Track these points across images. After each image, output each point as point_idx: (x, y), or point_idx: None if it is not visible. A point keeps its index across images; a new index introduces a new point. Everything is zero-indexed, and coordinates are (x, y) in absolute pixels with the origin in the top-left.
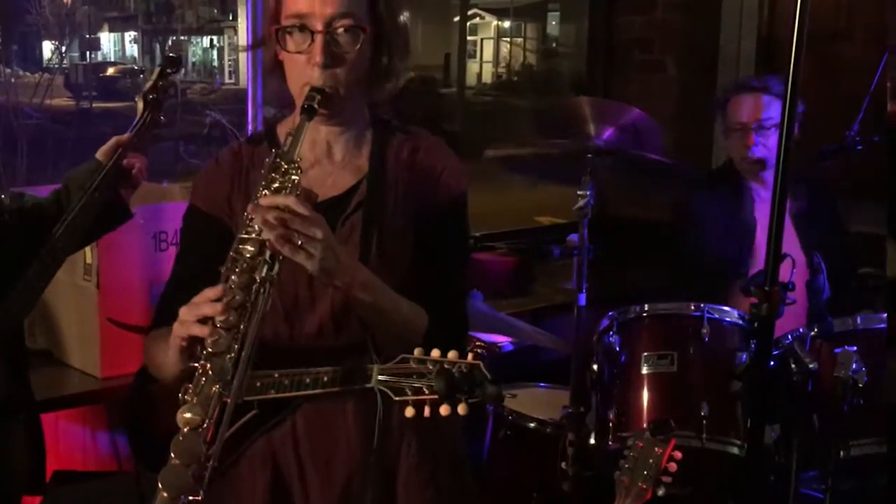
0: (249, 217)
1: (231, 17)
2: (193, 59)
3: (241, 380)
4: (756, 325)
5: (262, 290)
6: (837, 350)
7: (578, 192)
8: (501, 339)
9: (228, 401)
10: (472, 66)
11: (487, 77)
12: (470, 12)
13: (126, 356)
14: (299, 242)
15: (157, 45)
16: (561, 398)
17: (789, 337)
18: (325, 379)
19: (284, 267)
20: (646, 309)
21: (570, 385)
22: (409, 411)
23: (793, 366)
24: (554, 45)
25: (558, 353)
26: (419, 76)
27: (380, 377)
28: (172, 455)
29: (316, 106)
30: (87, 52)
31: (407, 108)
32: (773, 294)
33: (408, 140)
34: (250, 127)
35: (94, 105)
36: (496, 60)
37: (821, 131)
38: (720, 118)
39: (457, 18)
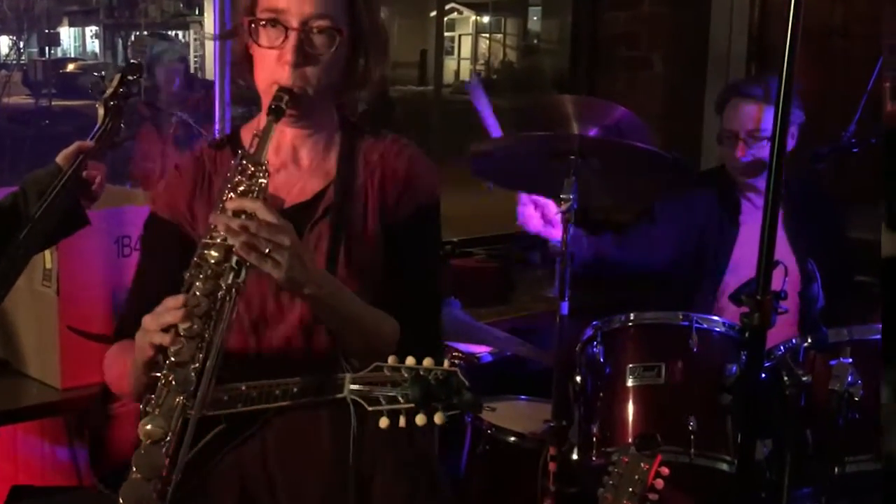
0: (214, 222)
1: (197, 12)
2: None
3: (206, 391)
4: (747, 335)
5: (227, 298)
6: (832, 362)
7: (561, 196)
8: (480, 350)
9: (192, 412)
10: (450, 64)
11: (465, 75)
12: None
13: (87, 366)
14: (266, 250)
15: (120, 41)
16: (542, 411)
17: (781, 348)
18: (296, 390)
19: (250, 276)
20: (631, 318)
21: (552, 398)
22: (384, 421)
23: (785, 378)
24: (535, 41)
25: (540, 364)
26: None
27: (352, 386)
28: (134, 469)
29: (284, 106)
30: (47, 48)
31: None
32: (765, 303)
33: (378, 143)
34: (217, 127)
35: (53, 103)
36: (475, 57)
37: (815, 132)
38: (718, 120)
39: (433, 13)
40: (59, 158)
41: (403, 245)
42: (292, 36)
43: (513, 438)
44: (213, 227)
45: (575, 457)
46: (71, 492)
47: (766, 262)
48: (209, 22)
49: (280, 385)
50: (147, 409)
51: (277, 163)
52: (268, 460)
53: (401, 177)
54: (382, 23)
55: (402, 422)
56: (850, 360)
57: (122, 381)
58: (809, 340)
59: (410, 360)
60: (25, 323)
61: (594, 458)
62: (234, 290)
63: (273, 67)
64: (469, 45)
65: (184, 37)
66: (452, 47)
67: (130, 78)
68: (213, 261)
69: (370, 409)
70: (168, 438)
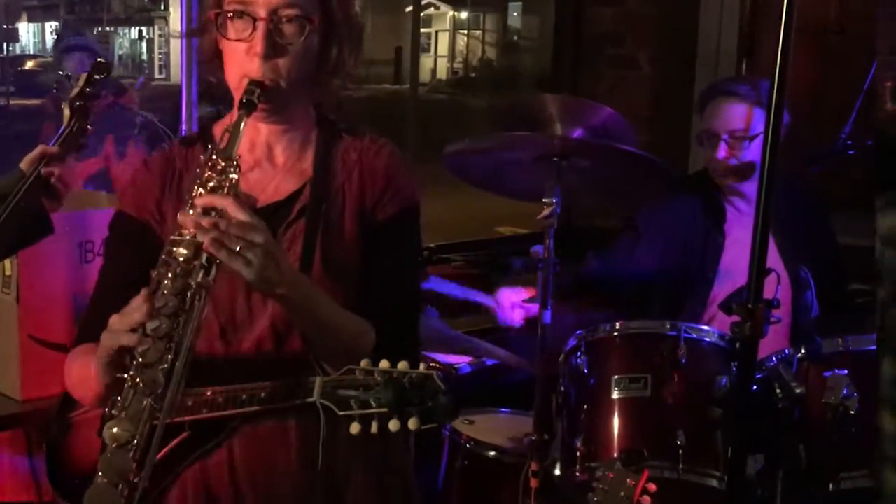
0: (182, 221)
1: (162, 7)
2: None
3: (175, 393)
4: (738, 345)
5: (197, 297)
6: (826, 373)
7: (544, 200)
8: (458, 360)
9: (160, 416)
10: (426, 62)
11: (442, 73)
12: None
13: (48, 376)
14: (237, 248)
15: None
16: (523, 424)
17: (774, 359)
18: (263, 395)
19: (219, 277)
20: (617, 327)
21: (534, 410)
22: (355, 427)
23: (778, 391)
24: (516, 38)
25: (521, 376)
26: None
27: (323, 390)
28: (100, 473)
29: (255, 100)
30: (4, 45)
31: None
32: (757, 312)
33: (356, 142)
34: (184, 127)
35: (11, 102)
36: (452, 55)
37: (809, 133)
38: (698, 121)
39: (409, 9)
40: (23, 164)
41: (381, 248)
42: (260, 26)
43: (492, 453)
44: (181, 224)
45: (557, 472)
46: None
47: (758, 269)
48: (175, 17)
49: (247, 390)
50: (113, 411)
51: (251, 161)
52: (235, 472)
53: (380, 178)
54: (356, 11)
55: (374, 428)
56: (846, 371)
57: (83, 387)
58: (803, 351)
59: (384, 364)
60: None
61: (578, 474)
62: (203, 288)
63: (242, 60)
64: (446, 41)
65: (148, 33)
66: (429, 44)
67: (97, 77)
68: (181, 258)
69: (340, 413)
70: (135, 442)
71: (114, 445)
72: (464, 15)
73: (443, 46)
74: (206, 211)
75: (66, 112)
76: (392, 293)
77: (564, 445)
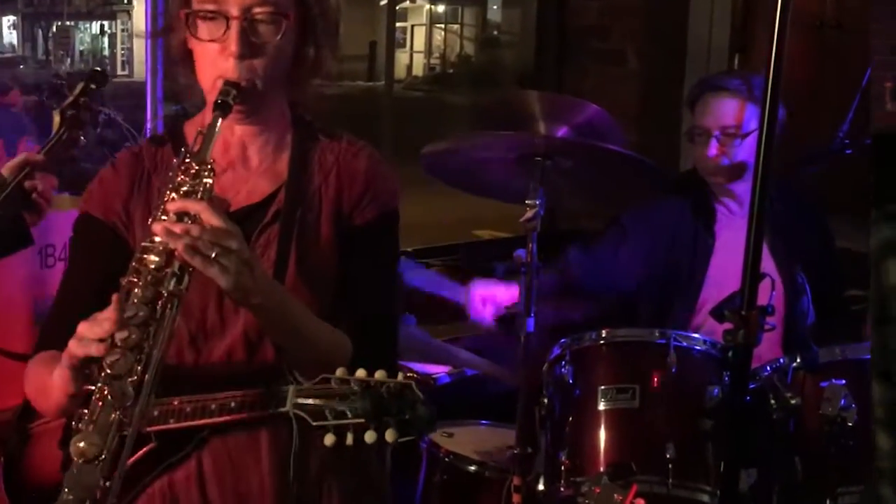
0: (154, 228)
1: (125, 1)
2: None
3: (144, 406)
4: (730, 354)
5: (169, 306)
6: (823, 384)
7: (527, 202)
8: (437, 370)
9: (129, 430)
10: (402, 57)
11: (419, 69)
12: None
13: (8, 388)
14: (212, 254)
15: (40, 32)
16: (505, 437)
17: (768, 368)
18: (233, 405)
19: (191, 282)
20: (603, 335)
21: (516, 422)
22: (329, 438)
23: (772, 401)
24: (496, 32)
25: (503, 386)
26: None
27: (296, 400)
28: (66, 489)
29: (231, 101)
30: None
31: None
32: (751, 319)
33: (333, 144)
34: (149, 126)
35: None
36: (429, 50)
37: (805, 132)
38: (688, 118)
39: (383, 2)
40: (4, 170)
41: (359, 254)
42: (234, 25)
43: (473, 467)
44: (153, 231)
45: (541, 487)
46: None
47: (752, 274)
48: (139, 11)
49: (217, 400)
50: (80, 425)
51: (224, 162)
52: (205, 485)
53: (358, 181)
54: (333, 6)
55: (349, 439)
56: (843, 381)
57: (44, 397)
58: (799, 360)
59: (361, 372)
60: None
61: (562, 489)
62: (175, 297)
63: (216, 61)
64: (423, 36)
65: (110, 27)
66: (405, 39)
67: (93, 86)
68: (153, 266)
69: (314, 423)
70: (103, 457)
71: (80, 460)
72: (441, 8)
73: (419, 41)
74: (180, 216)
75: (56, 120)
76: (369, 301)
77: (548, 459)
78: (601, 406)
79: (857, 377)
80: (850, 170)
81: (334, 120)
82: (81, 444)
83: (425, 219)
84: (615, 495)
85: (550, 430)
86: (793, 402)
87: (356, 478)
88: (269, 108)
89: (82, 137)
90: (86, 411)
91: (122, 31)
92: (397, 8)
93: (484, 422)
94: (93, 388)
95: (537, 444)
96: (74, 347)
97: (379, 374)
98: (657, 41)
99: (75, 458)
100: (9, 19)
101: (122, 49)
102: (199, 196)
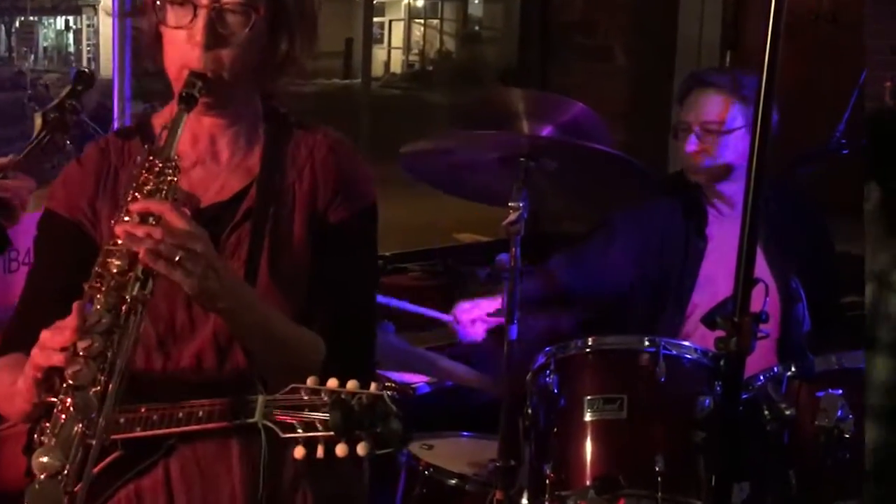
0: (116, 229)
1: None
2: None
3: (109, 418)
4: (722, 363)
5: (133, 313)
6: (819, 393)
7: (510, 205)
8: (416, 379)
9: (94, 442)
10: (379, 54)
11: (397, 66)
12: None
13: None
14: (176, 258)
15: (3, 27)
16: (487, 449)
17: (762, 377)
18: (201, 414)
19: (158, 286)
20: (589, 343)
21: (499, 434)
22: (299, 451)
23: (766, 412)
24: (477, 27)
25: (485, 396)
26: None
27: (265, 410)
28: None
29: (196, 94)
30: None
31: None
32: (744, 325)
33: (308, 137)
34: (116, 124)
35: None
36: (407, 46)
37: (799, 131)
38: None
39: None
40: None
41: (334, 254)
42: (202, 14)
43: (453, 481)
44: (115, 233)
45: (525, 502)
46: None
47: (745, 279)
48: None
49: (184, 408)
50: (42, 438)
51: (193, 156)
52: (173, 495)
53: (333, 177)
54: (310, 1)
55: (319, 452)
56: (840, 391)
57: (7, 402)
58: (793, 369)
59: (332, 382)
60: None
61: (547, 503)
62: (140, 303)
63: (183, 49)
64: (401, 32)
65: (75, 23)
66: (382, 35)
67: (80, 89)
68: (115, 270)
69: (284, 435)
70: (66, 472)
71: (42, 476)
72: (420, 3)
73: (397, 37)
74: (143, 217)
75: (38, 122)
76: (345, 304)
77: (532, 472)
78: (587, 417)
79: (855, 387)
80: (850, 170)
81: (309, 118)
82: (44, 460)
83: (403, 222)
84: None
85: (534, 441)
86: (787, 412)
87: (331, 487)
88: (240, 100)
89: (68, 143)
90: (48, 424)
91: (88, 26)
92: (374, 2)
93: (465, 433)
94: (56, 399)
95: (521, 457)
96: (37, 357)
97: (350, 385)
98: (645, 37)
99: (37, 473)
100: None
101: (88, 45)
102: (163, 195)
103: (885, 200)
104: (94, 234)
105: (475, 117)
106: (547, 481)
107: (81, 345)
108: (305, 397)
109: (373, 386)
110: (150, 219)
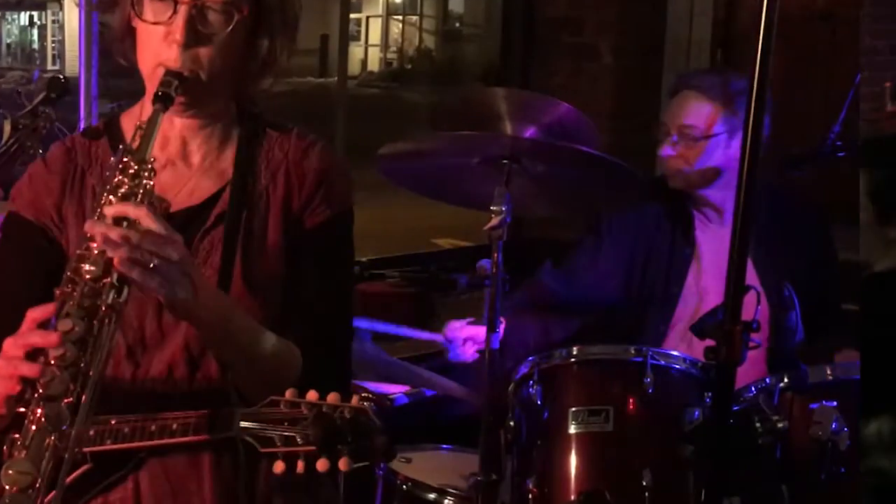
0: (90, 231)
1: None
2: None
3: (81, 430)
4: (712, 373)
5: (107, 320)
6: (813, 405)
7: (492, 208)
8: (394, 390)
9: (66, 455)
10: (356, 51)
11: (374, 64)
12: None
13: None
14: (151, 265)
15: None
16: (468, 463)
17: (753, 389)
18: (175, 427)
19: (130, 293)
20: (574, 353)
21: (480, 447)
22: (279, 466)
23: (757, 424)
24: (458, 24)
25: (465, 408)
26: None
27: (243, 423)
28: None
29: (173, 93)
30: None
31: None
32: (734, 335)
33: (283, 139)
34: (82, 125)
35: None
36: (385, 43)
37: (792, 133)
38: None
39: None
40: None
41: (310, 259)
42: (182, 11)
43: (432, 495)
44: (89, 236)
45: None
46: None
47: (735, 286)
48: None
49: (157, 420)
50: (12, 451)
51: (163, 158)
52: None
53: (309, 179)
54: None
55: (300, 467)
56: (835, 403)
57: None
58: (786, 380)
59: (312, 395)
60: None
61: None
62: (114, 311)
63: (159, 47)
64: (379, 29)
65: (40, 18)
66: (359, 32)
67: (53, 96)
68: (89, 276)
69: (263, 450)
70: (37, 486)
71: (13, 490)
72: None
73: (375, 34)
74: (118, 221)
75: (7, 128)
76: (321, 311)
77: (515, 487)
78: (572, 429)
79: (850, 398)
80: (849, 174)
81: (283, 119)
82: (13, 473)
83: (381, 226)
84: None
85: (517, 455)
86: (780, 425)
87: (306, 502)
88: (214, 101)
89: (41, 151)
90: (18, 435)
91: (53, 22)
92: None
93: (445, 446)
94: (25, 410)
95: (502, 471)
96: (2, 366)
97: (332, 398)
98: (633, 35)
99: (7, 487)
100: None
101: (53, 42)
102: (138, 199)
103: None
104: (61, 238)
105: (456, 117)
106: (530, 496)
107: (54, 353)
108: (285, 410)
109: (354, 399)
110: (125, 223)
